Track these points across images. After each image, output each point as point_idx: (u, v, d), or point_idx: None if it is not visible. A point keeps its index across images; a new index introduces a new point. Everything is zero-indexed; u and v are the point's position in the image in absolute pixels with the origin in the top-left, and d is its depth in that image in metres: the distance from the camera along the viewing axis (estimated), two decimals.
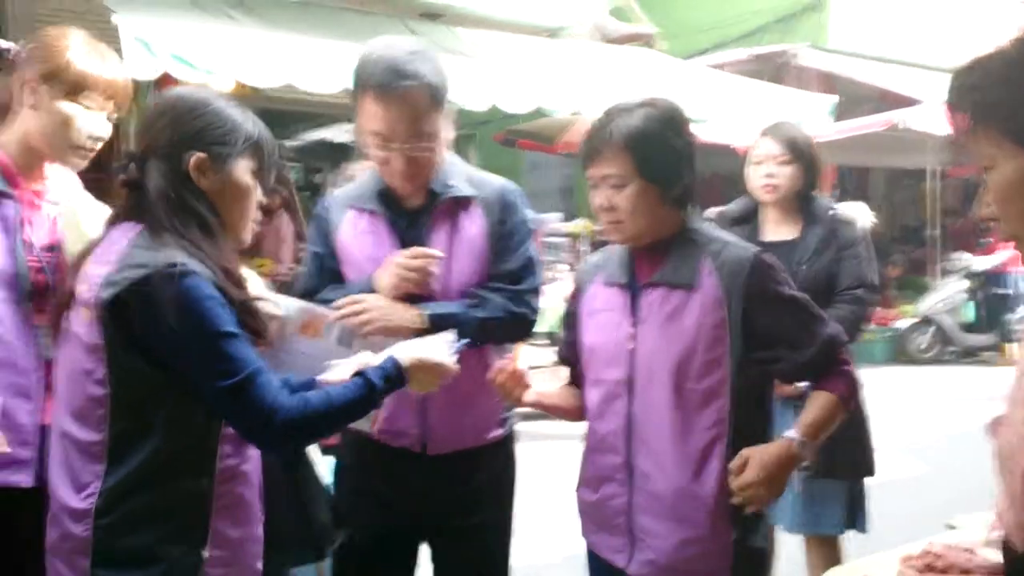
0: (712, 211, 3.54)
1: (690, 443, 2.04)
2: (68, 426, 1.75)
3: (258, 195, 1.89)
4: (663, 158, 2.06)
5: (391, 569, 2.46)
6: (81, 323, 1.73)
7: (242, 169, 1.84)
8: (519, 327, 2.40)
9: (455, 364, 2.01)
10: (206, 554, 1.75)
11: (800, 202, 3.36)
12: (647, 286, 2.11)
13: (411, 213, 2.37)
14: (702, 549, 2.05)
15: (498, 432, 2.44)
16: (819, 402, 2.08)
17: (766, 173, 3.31)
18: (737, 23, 13.48)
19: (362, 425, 2.05)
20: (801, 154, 3.32)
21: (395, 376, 1.90)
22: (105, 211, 2.19)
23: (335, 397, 1.81)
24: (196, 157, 1.78)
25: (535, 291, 2.42)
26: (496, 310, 2.32)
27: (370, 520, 2.38)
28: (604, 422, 2.17)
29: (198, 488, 1.75)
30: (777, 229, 3.38)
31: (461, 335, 2.10)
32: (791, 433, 2.02)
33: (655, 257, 2.13)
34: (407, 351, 1.96)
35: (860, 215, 3.42)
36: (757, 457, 1.97)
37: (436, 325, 2.20)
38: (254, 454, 1.87)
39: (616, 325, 2.15)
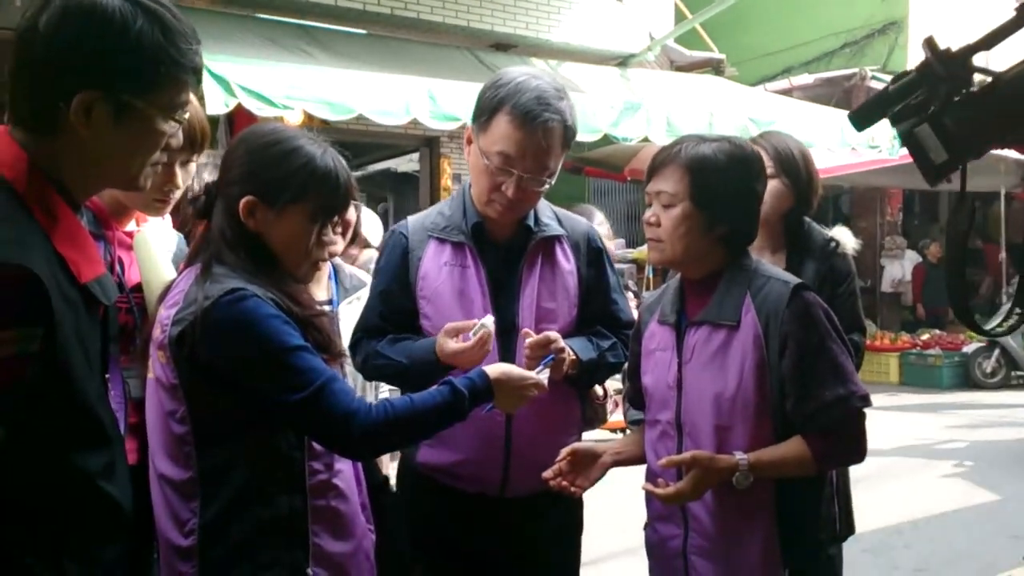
0: None
1: (734, 490, 1.96)
2: (162, 467, 1.78)
3: (325, 236, 1.87)
4: (719, 189, 2.01)
5: None
6: (158, 365, 1.77)
7: (293, 213, 1.80)
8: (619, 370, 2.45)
9: (543, 380, 1.99)
10: (310, 572, 1.76)
11: (787, 225, 2.89)
12: (692, 324, 2.07)
13: (502, 248, 2.34)
14: None
15: None
16: (790, 448, 1.97)
17: None
18: (805, 48, 13.39)
19: None
20: (790, 168, 2.84)
21: (482, 387, 1.86)
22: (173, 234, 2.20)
23: (418, 402, 1.79)
24: (245, 200, 1.78)
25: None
26: (620, 356, 2.40)
27: (438, 564, 2.33)
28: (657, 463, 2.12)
29: (292, 507, 1.75)
30: (759, 255, 2.68)
31: (597, 377, 2.32)
32: (742, 457, 1.92)
33: (702, 294, 2.08)
34: (493, 366, 1.93)
35: (849, 243, 2.94)
36: (700, 473, 1.91)
37: (586, 368, 2.28)
38: (344, 468, 1.86)
39: (666, 365, 2.10)
